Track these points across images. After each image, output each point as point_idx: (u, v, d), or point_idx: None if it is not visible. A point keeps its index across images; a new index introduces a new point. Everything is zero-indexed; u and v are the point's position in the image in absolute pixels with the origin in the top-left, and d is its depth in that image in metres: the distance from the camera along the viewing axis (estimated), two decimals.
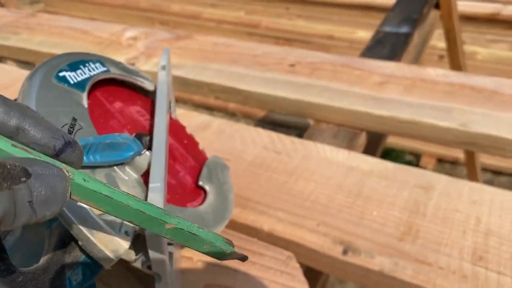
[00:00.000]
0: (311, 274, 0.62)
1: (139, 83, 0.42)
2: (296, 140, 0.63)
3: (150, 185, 0.31)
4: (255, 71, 0.81)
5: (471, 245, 0.46)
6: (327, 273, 0.57)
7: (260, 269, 0.44)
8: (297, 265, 0.45)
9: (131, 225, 0.28)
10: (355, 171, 0.57)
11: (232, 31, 2.96)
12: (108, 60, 0.40)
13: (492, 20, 2.58)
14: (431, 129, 0.64)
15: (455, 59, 1.45)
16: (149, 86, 0.43)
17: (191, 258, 0.46)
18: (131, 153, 0.31)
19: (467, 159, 1.59)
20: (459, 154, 1.93)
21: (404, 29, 1.00)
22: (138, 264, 0.32)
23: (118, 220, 0.28)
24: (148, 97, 0.44)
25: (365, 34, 2.77)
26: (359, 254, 0.45)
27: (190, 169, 0.42)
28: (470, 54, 2.43)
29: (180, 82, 0.83)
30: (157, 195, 0.30)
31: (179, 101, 2.12)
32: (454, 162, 1.99)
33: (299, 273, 0.44)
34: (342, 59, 0.83)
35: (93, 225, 0.27)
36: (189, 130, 0.47)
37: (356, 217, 0.50)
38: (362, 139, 0.70)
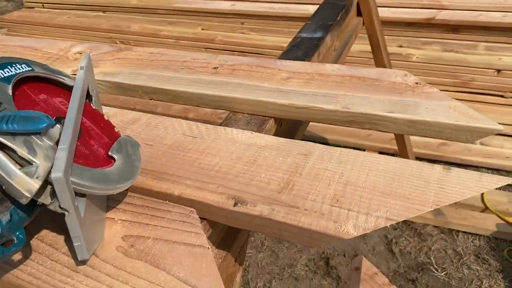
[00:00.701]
0: (229, 241, 0.74)
1: (60, 79, 0.54)
2: (210, 126, 0.76)
3: (59, 147, 0.43)
4: (183, 74, 0.94)
5: (332, 193, 0.59)
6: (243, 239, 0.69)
7: (167, 221, 0.57)
8: (197, 217, 0.57)
9: (42, 173, 0.41)
10: (253, 146, 0.70)
11: (190, 46, 3.10)
12: (34, 63, 0.52)
13: (427, 25, 2.80)
14: (320, 111, 0.78)
15: (379, 61, 1.62)
16: (69, 82, 0.55)
17: (113, 219, 0.58)
18: (44, 125, 0.42)
19: (400, 150, 1.76)
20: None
21: (318, 34, 1.16)
22: (52, 207, 0.44)
23: (32, 169, 0.40)
24: (70, 92, 0.56)
25: None
26: (246, 204, 0.58)
27: (104, 144, 0.54)
28: (406, 56, 2.64)
29: (118, 87, 0.95)
30: (62, 153, 0.42)
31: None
32: (393, 155, 2.16)
33: (197, 222, 0.56)
34: (258, 61, 0.97)
35: (12, 173, 0.39)
36: (121, 124, 0.59)
37: (248, 180, 0.63)
38: (270, 124, 0.83)
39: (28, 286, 0.50)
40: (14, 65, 0.49)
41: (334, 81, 0.86)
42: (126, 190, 0.63)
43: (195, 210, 0.58)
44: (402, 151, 1.76)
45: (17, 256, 0.54)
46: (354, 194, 0.59)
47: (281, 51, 3.37)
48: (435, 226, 1.80)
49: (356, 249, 1.73)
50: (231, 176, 0.64)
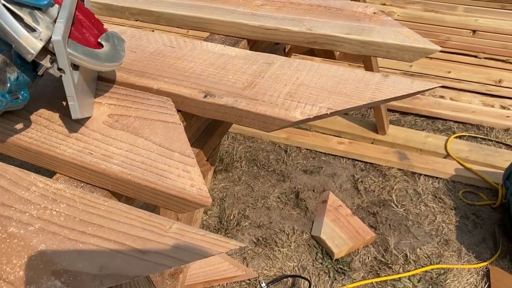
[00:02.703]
0: (202, 141, 0.86)
1: None
2: (188, 40, 0.86)
3: (57, 20, 0.53)
4: None
5: (287, 91, 0.70)
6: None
7: (147, 105, 0.67)
8: (172, 103, 0.68)
9: (44, 37, 0.51)
10: (225, 56, 0.80)
11: None
12: None
13: None
14: (287, 33, 0.88)
15: None
16: None
17: (101, 102, 0.68)
18: (45, 2, 0.52)
19: None
20: None
21: None
22: (52, 70, 0.54)
23: (36, 34, 0.50)
24: None
25: None
26: (214, 97, 0.69)
27: (94, 34, 0.63)
28: (387, 14, 2.72)
29: (107, 9, 1.03)
30: (60, 24, 0.52)
31: None
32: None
33: (172, 107, 0.67)
34: None
35: (21, 33, 0.49)
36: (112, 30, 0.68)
37: (217, 79, 0.73)
38: (243, 44, 0.93)
39: (29, 146, 0.61)
40: None
41: (303, 9, 0.96)
42: (113, 83, 0.74)
43: (170, 99, 0.69)
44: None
45: (19, 126, 0.64)
46: (305, 91, 0.70)
47: None
48: (400, 169, 1.95)
49: (325, 186, 1.87)
50: (203, 77, 0.74)
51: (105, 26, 0.68)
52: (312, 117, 0.65)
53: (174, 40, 0.86)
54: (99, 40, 0.63)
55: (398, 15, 2.75)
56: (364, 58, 1.84)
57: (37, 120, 0.65)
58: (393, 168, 1.96)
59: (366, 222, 1.71)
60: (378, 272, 1.52)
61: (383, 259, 1.56)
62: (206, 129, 0.88)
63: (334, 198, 1.78)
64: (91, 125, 0.64)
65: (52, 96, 0.70)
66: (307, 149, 2.08)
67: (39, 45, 0.50)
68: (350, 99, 0.68)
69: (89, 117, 0.65)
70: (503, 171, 1.80)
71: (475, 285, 1.48)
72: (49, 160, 0.61)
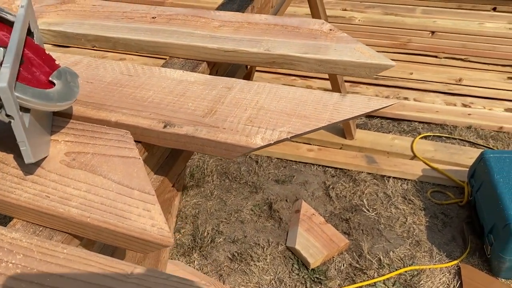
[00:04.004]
0: (167, 168, 0.84)
1: (2, 15, 0.62)
2: (146, 67, 0.85)
3: (2, 65, 0.51)
4: (123, 23, 1.01)
5: (247, 116, 0.70)
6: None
7: (105, 140, 0.66)
8: (131, 137, 0.67)
9: None
10: (184, 82, 0.80)
11: None
12: None
13: None
14: (246, 54, 0.89)
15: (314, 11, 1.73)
16: (11, 18, 0.63)
17: (57, 140, 0.67)
18: None
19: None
20: None
21: None
22: (0, 116, 0.52)
23: None
24: (12, 27, 0.63)
25: None
26: (174, 126, 0.68)
27: (45, 72, 0.62)
28: (349, 19, 2.77)
29: (62, 36, 1.01)
30: (5, 69, 0.50)
31: None
32: None
33: (131, 140, 0.66)
34: (194, 11, 1.05)
35: None
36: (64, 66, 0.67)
37: (177, 108, 0.73)
38: (203, 67, 0.93)
39: None
40: None
41: (261, 28, 0.96)
42: (69, 118, 0.72)
43: (129, 132, 0.68)
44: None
45: None
46: (265, 116, 0.70)
47: None
48: (369, 173, 1.98)
49: (297, 195, 1.88)
50: (163, 106, 0.74)
51: (57, 62, 0.67)
52: (272, 142, 0.65)
53: (132, 68, 0.85)
54: (50, 78, 0.61)
55: (359, 20, 2.81)
56: (330, 74, 1.86)
57: None
58: (362, 172, 1.99)
59: (339, 229, 1.73)
60: (354, 279, 1.54)
61: (357, 265, 1.58)
62: (170, 155, 0.87)
63: (307, 207, 1.79)
64: (48, 166, 0.62)
65: (5, 136, 0.67)
66: (277, 158, 2.09)
67: None
68: (309, 122, 0.68)
69: (46, 156, 0.63)
70: (467, 169, 1.86)
71: (447, 284, 1.51)
72: (4, 206, 0.59)
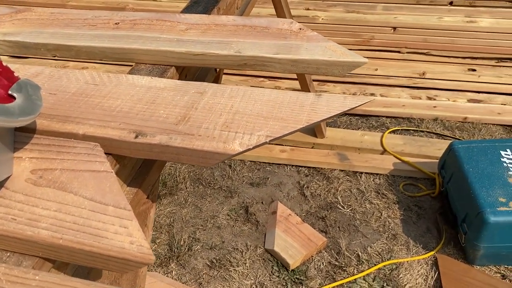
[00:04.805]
0: (139, 179, 0.81)
1: None
2: (112, 75, 0.81)
3: None
4: (85, 30, 0.96)
5: (223, 121, 0.68)
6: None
7: (73, 155, 0.62)
8: (101, 149, 0.63)
9: None
10: (153, 89, 0.76)
11: None
12: None
13: None
14: (215, 57, 0.86)
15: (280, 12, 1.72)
16: None
17: (21, 157, 0.62)
18: None
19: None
20: None
21: None
22: None
23: None
24: None
25: None
26: (146, 136, 0.65)
27: (3, 86, 0.58)
28: (312, 18, 2.79)
29: (19, 46, 0.96)
30: None
31: None
32: None
33: (101, 153, 0.63)
34: (158, 15, 1.01)
35: None
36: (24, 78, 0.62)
37: (148, 116, 0.69)
38: (172, 72, 0.89)
39: None
40: None
41: (229, 30, 0.94)
42: (33, 133, 0.68)
43: (98, 144, 0.64)
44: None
45: None
46: (241, 120, 0.68)
47: None
48: (341, 170, 1.99)
49: (273, 196, 1.86)
50: (132, 115, 0.70)
51: (16, 74, 0.63)
52: (251, 147, 0.63)
53: (97, 77, 0.81)
54: (9, 92, 0.57)
55: (323, 19, 2.83)
56: (298, 74, 1.86)
57: None
58: (335, 170, 2.00)
59: (316, 228, 1.72)
60: (334, 277, 1.54)
61: (337, 263, 1.58)
62: (143, 165, 0.84)
63: (283, 208, 1.78)
64: (12, 185, 0.58)
65: None
66: (251, 161, 2.07)
67: None
68: (287, 124, 0.67)
69: (9, 176, 0.59)
70: (437, 161, 1.89)
71: (425, 275, 1.53)
72: None
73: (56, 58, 0.97)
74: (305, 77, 1.84)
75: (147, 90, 0.76)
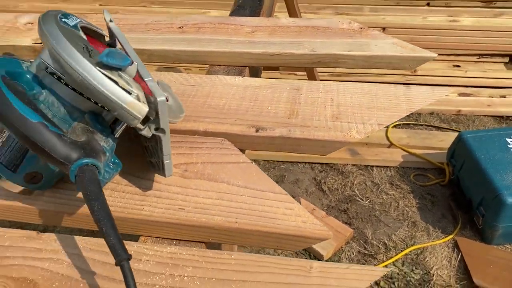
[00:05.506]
0: None
1: (99, 31, 0.60)
2: (203, 76, 0.85)
3: (146, 79, 0.51)
4: (152, 35, 0.99)
5: (330, 113, 0.73)
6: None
7: (206, 149, 0.66)
8: (230, 143, 0.68)
9: (142, 99, 0.48)
10: (250, 87, 0.81)
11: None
12: (75, 16, 0.57)
13: None
14: (292, 56, 0.92)
15: (293, 15, 1.80)
16: (101, 31, 0.61)
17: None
18: (129, 61, 0.50)
19: None
20: None
21: None
22: (145, 132, 0.51)
23: (135, 96, 0.48)
24: (99, 40, 0.62)
25: (217, 13, 3.05)
26: (266, 130, 0.70)
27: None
28: None
29: None
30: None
31: None
32: None
33: (232, 146, 0.67)
34: (218, 19, 1.06)
35: (127, 98, 0.46)
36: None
37: (258, 112, 0.74)
38: (246, 73, 0.94)
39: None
40: (69, 16, 0.54)
41: (294, 31, 1.00)
42: None
43: (225, 139, 0.68)
44: None
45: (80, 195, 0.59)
46: (347, 111, 0.74)
47: None
48: (353, 164, 2.08)
49: (292, 193, 1.92)
50: (242, 111, 0.75)
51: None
52: (368, 134, 0.69)
53: (190, 78, 0.84)
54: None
55: None
56: (307, 68, 1.94)
57: None
58: (348, 164, 2.09)
59: (340, 220, 1.80)
60: (366, 264, 1.61)
61: (366, 251, 1.66)
62: None
63: (307, 203, 1.84)
64: (163, 180, 0.61)
65: None
66: (265, 160, 2.12)
67: (145, 108, 0.48)
68: (391, 113, 0.73)
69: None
70: (440, 151, 2.01)
71: (449, 257, 1.64)
72: (133, 225, 0.57)
73: None
74: (313, 70, 1.91)
75: (245, 88, 0.81)
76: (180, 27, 1.02)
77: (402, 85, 0.80)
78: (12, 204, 0.57)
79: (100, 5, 3.09)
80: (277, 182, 1.88)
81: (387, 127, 2.28)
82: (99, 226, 0.41)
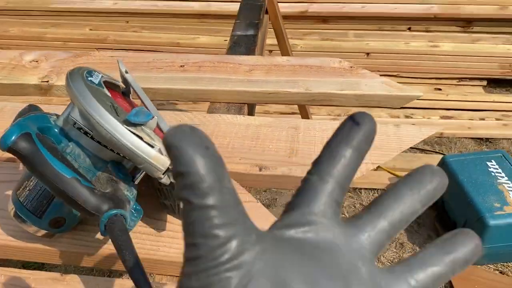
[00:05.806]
0: None
1: (116, 83, 0.65)
2: (206, 114, 0.91)
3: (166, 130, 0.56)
4: (154, 73, 1.05)
5: None
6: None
7: None
8: (236, 182, 0.73)
9: (164, 152, 0.53)
10: (251, 126, 0.87)
11: (81, 47, 3.01)
12: (96, 71, 0.63)
13: (302, 17, 3.14)
14: (286, 94, 0.98)
15: (284, 50, 1.87)
16: (119, 83, 0.67)
17: None
18: (151, 117, 0.55)
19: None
20: None
21: (250, 32, 1.34)
22: (164, 180, 0.56)
23: (158, 149, 0.53)
24: (118, 92, 0.67)
25: (206, 39, 3.12)
26: (269, 169, 0.75)
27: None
28: (292, 46, 2.96)
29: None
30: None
31: None
32: None
33: (239, 186, 0.72)
34: (217, 57, 1.12)
35: (151, 153, 0.51)
36: None
37: (260, 151, 0.80)
38: (245, 109, 1.00)
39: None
40: (93, 73, 0.59)
41: (289, 70, 1.06)
42: None
43: (231, 178, 0.74)
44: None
45: (98, 235, 0.63)
46: None
47: (177, 47, 3.43)
48: None
49: None
50: (245, 150, 0.80)
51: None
52: (363, 173, 0.75)
53: (194, 117, 0.90)
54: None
55: (301, 47, 3.02)
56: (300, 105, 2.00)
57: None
58: None
59: None
60: None
61: None
62: None
63: None
64: (176, 220, 0.66)
65: None
66: None
67: (168, 161, 0.52)
68: (384, 152, 0.79)
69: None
70: None
71: None
72: (152, 264, 0.62)
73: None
74: (306, 111, 1.99)
75: (246, 127, 0.86)
76: (181, 66, 1.08)
77: (391, 125, 0.87)
78: (36, 246, 0.61)
79: (90, 29, 3.13)
80: (268, 206, 1.93)
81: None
82: (130, 273, 0.45)
